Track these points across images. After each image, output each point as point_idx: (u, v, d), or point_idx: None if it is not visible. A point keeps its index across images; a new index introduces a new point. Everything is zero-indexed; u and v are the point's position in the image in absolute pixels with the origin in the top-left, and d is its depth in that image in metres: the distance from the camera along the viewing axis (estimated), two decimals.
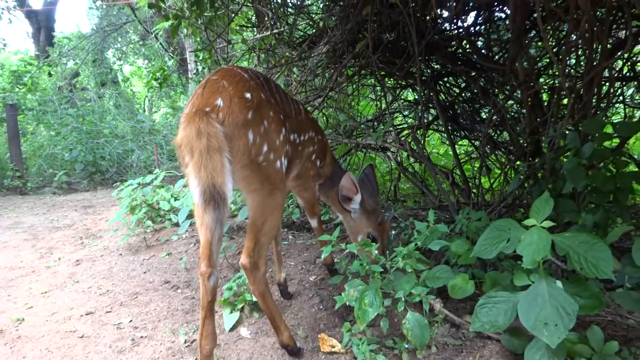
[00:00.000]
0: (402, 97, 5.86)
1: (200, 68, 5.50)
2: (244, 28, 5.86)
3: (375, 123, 5.58)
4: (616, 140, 2.80)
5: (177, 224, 4.67)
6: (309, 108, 5.24)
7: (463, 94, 4.87)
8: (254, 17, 5.68)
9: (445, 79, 4.85)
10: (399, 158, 5.25)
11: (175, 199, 5.16)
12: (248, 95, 2.12)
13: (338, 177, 3.13)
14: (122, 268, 4.01)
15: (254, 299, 2.88)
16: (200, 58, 5.10)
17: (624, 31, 3.44)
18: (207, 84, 2.13)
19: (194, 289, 3.44)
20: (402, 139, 4.85)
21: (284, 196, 2.40)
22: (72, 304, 3.30)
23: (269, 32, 4.88)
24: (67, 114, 11.26)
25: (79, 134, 10.49)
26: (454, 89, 4.95)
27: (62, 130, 10.61)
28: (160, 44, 13.84)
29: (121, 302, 3.29)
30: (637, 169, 2.72)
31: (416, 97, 5.33)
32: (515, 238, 2.08)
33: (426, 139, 5.69)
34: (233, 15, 4.68)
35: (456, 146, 4.71)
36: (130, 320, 3.00)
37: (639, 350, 1.91)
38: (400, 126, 5.40)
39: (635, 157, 3.12)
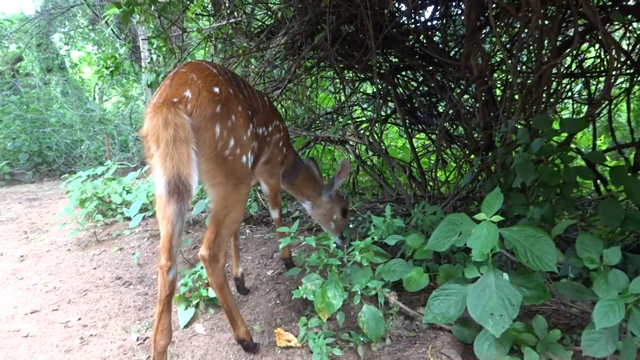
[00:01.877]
0: (361, 90, 5.89)
1: (154, 57, 5.30)
2: (200, 16, 5.70)
3: (334, 115, 5.59)
4: (564, 135, 2.91)
5: (129, 218, 4.51)
6: None
7: (420, 88, 4.96)
8: (210, 5, 5.54)
9: (403, 73, 4.91)
10: (357, 151, 5.29)
11: (128, 192, 4.99)
12: (216, 89, 2.12)
13: (299, 166, 3.35)
14: (71, 264, 3.83)
15: (210, 294, 2.84)
16: (154, 46, 4.91)
17: (572, 29, 3.57)
18: (176, 76, 2.13)
19: (147, 285, 3.34)
20: (361, 132, 4.88)
21: (248, 191, 2.42)
22: (15, 302, 3.13)
23: (225, 21, 4.77)
24: (9, 101, 10.70)
25: (22, 123, 9.98)
26: (412, 82, 5.02)
27: (4, 118, 10.04)
28: (112, 29, 13.27)
29: (69, 300, 3.15)
30: (582, 164, 2.84)
31: (375, 90, 5.37)
32: (467, 232, 2.13)
33: (384, 132, 5.75)
34: (188, 2, 4.53)
35: (413, 140, 4.79)
36: (79, 319, 2.87)
37: (579, 337, 2.00)
38: (359, 119, 5.44)
39: (582, 150, 3.26)
